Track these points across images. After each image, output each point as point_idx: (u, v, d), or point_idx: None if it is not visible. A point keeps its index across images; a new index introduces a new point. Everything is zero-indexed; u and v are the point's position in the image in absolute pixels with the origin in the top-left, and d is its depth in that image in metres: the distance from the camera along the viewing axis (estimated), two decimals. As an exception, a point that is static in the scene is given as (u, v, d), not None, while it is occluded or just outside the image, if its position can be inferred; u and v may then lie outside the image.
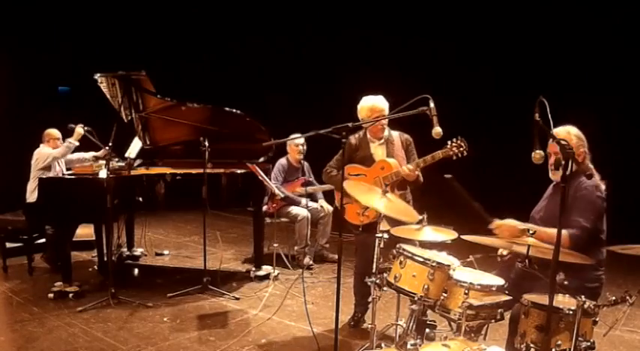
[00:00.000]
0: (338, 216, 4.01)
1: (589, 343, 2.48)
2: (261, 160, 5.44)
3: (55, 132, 5.59)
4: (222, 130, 5.19)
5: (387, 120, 3.90)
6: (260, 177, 5.04)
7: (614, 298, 2.46)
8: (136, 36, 8.74)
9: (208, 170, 4.82)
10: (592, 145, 3.07)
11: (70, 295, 4.64)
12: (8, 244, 5.48)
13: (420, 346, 2.84)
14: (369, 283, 3.20)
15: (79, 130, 5.36)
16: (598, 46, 6.77)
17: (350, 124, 3.00)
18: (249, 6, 9.01)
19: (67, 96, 9.08)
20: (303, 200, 5.75)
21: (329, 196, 6.08)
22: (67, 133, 5.48)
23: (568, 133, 2.95)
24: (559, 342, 2.49)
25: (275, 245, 5.38)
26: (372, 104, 3.87)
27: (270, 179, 5.45)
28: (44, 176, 4.97)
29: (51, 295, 4.63)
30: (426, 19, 7.82)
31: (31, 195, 5.29)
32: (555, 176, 3.07)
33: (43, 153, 5.40)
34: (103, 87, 4.98)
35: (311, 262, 5.81)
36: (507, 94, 6.96)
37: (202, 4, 9.15)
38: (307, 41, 8.83)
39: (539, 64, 7.16)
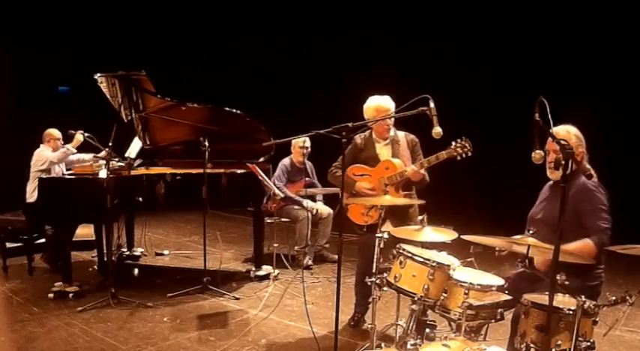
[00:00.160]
0: (342, 214, 3.99)
1: (589, 343, 2.48)
2: (261, 160, 5.45)
3: (55, 132, 5.58)
4: (222, 130, 5.19)
5: (392, 120, 3.89)
6: (260, 177, 5.04)
7: (614, 298, 2.46)
8: (136, 36, 8.74)
9: (208, 170, 4.81)
10: (592, 145, 3.07)
11: (70, 295, 4.65)
12: (8, 244, 5.49)
13: (420, 346, 2.84)
14: (368, 283, 3.20)
15: (79, 136, 5.37)
16: (598, 46, 6.77)
17: (350, 124, 2.99)
18: (249, 6, 9.01)
19: (67, 96, 9.09)
20: (304, 202, 5.75)
21: (329, 198, 6.09)
22: (67, 138, 5.50)
23: (567, 132, 2.95)
24: (559, 342, 2.49)
25: (275, 245, 5.38)
26: (378, 104, 3.86)
27: (271, 179, 5.45)
28: (44, 176, 4.97)
29: (51, 295, 4.63)
30: (425, 19, 7.82)
31: (31, 195, 5.29)
32: (554, 176, 3.07)
33: (41, 155, 5.40)
34: (103, 87, 4.98)
35: (310, 263, 5.82)
36: (507, 94, 6.96)
37: (202, 4, 9.15)
38: (307, 41, 8.83)
39: (539, 64, 7.16)
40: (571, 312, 2.48)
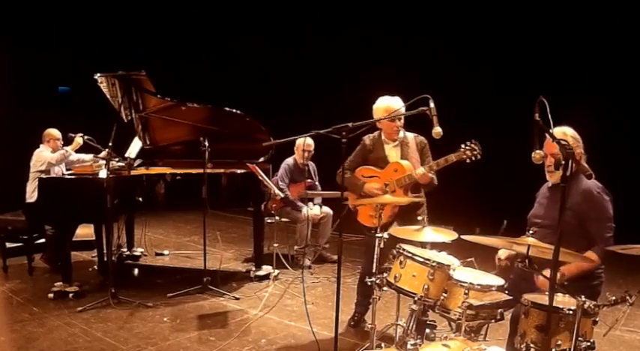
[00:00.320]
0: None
1: (589, 343, 2.48)
2: (261, 160, 5.44)
3: (55, 132, 5.58)
4: (222, 130, 5.19)
5: (402, 121, 3.85)
6: (260, 177, 5.04)
7: (614, 298, 2.46)
8: (136, 36, 8.74)
9: (208, 170, 4.81)
10: (592, 145, 3.07)
11: (70, 295, 4.64)
12: (8, 244, 5.48)
13: (420, 346, 2.84)
14: (368, 283, 3.20)
15: (79, 140, 5.39)
16: (598, 46, 6.77)
17: (350, 124, 2.99)
18: (249, 6, 9.01)
19: (67, 96, 9.09)
20: (304, 210, 5.75)
21: (334, 199, 6.08)
22: (67, 141, 5.51)
23: (564, 134, 2.95)
24: (559, 342, 2.49)
25: (275, 245, 5.38)
26: (388, 105, 3.82)
27: (273, 179, 5.44)
28: (44, 176, 4.97)
29: (51, 295, 4.63)
30: (425, 19, 7.82)
31: (31, 195, 5.29)
32: (553, 178, 3.07)
33: (40, 156, 5.40)
34: (103, 87, 4.98)
35: (310, 263, 5.82)
36: (507, 94, 6.96)
37: (202, 4, 9.15)
38: (307, 41, 8.84)
39: (539, 64, 7.16)
40: (571, 312, 2.48)
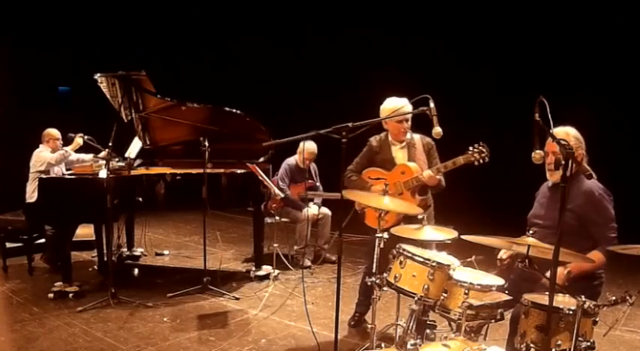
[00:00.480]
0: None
1: (589, 343, 2.48)
2: (261, 160, 5.44)
3: (54, 132, 5.58)
4: (222, 130, 5.19)
5: (409, 123, 3.82)
6: (260, 177, 5.04)
7: (614, 298, 2.46)
8: (136, 36, 8.74)
9: (208, 170, 4.81)
10: (592, 145, 3.07)
11: (70, 295, 4.64)
12: (8, 244, 5.48)
13: (420, 346, 2.84)
14: (369, 283, 3.20)
15: (78, 140, 5.39)
16: (598, 46, 6.77)
17: (350, 124, 2.98)
18: (249, 6, 9.01)
19: (67, 96, 9.08)
20: (304, 210, 5.74)
21: (336, 201, 6.08)
22: (67, 141, 5.51)
23: (567, 133, 2.95)
24: (559, 342, 2.49)
25: (275, 245, 5.38)
26: (394, 107, 3.78)
27: (273, 178, 5.44)
28: (44, 176, 4.97)
29: (51, 295, 4.63)
30: (426, 19, 7.82)
31: (31, 196, 5.29)
32: (554, 178, 3.07)
33: (40, 157, 5.39)
34: (103, 87, 4.98)
35: (310, 263, 5.82)
36: (507, 94, 6.96)
37: (202, 4, 9.15)
38: (307, 41, 8.83)
39: (539, 64, 7.16)
40: (571, 312, 2.48)
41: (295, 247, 5.86)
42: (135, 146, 5.57)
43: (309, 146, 5.70)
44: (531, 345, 2.56)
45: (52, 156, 5.39)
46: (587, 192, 2.93)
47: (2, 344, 3.80)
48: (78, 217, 4.80)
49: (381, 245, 3.20)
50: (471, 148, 3.44)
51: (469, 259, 3.13)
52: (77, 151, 5.56)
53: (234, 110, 5.13)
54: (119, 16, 8.68)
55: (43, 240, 5.52)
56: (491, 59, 7.48)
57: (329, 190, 6.05)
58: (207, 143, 4.79)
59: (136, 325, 4.16)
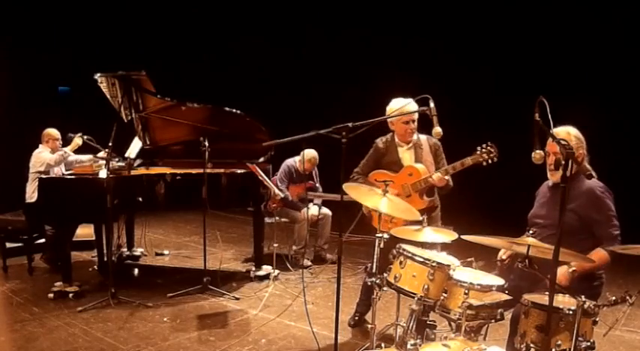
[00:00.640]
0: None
1: (589, 343, 2.48)
2: (261, 160, 5.44)
3: (54, 132, 5.58)
4: (222, 130, 5.19)
5: (415, 124, 3.78)
6: (260, 177, 5.04)
7: (614, 298, 2.46)
8: (136, 36, 8.74)
9: (208, 170, 4.81)
10: (592, 145, 3.07)
11: (70, 295, 4.64)
12: (8, 244, 5.48)
13: (420, 346, 2.84)
14: (369, 283, 3.20)
15: (78, 140, 5.38)
16: (598, 46, 6.77)
17: (350, 124, 2.98)
18: (249, 6, 9.02)
19: (67, 96, 9.08)
20: (303, 210, 5.74)
21: (329, 201, 6.09)
22: (66, 141, 5.50)
23: (568, 133, 2.95)
24: (559, 342, 2.49)
25: (275, 245, 5.38)
26: (400, 108, 3.73)
27: (273, 179, 5.44)
28: (44, 176, 4.97)
29: (51, 295, 4.63)
30: (426, 19, 7.82)
31: (31, 196, 5.28)
32: (555, 177, 3.07)
33: (39, 157, 5.39)
34: (103, 87, 4.98)
35: (309, 263, 5.82)
36: (507, 94, 6.96)
37: (202, 4, 9.15)
38: (307, 41, 8.83)
39: (539, 64, 7.16)
40: (571, 312, 2.48)
41: (294, 248, 5.86)
42: (135, 146, 5.57)
43: (311, 155, 5.70)
44: (531, 345, 2.56)
45: (52, 157, 5.39)
46: (587, 191, 2.93)
47: (2, 344, 3.80)
48: (78, 217, 4.80)
49: (381, 245, 3.19)
50: (479, 149, 3.41)
51: (469, 259, 3.13)
52: (77, 151, 5.56)
53: (234, 110, 5.13)
54: (119, 16, 8.68)
55: (43, 240, 5.52)
56: (491, 59, 7.48)
57: (329, 190, 6.05)
58: (207, 143, 4.79)
59: (136, 325, 4.16)
